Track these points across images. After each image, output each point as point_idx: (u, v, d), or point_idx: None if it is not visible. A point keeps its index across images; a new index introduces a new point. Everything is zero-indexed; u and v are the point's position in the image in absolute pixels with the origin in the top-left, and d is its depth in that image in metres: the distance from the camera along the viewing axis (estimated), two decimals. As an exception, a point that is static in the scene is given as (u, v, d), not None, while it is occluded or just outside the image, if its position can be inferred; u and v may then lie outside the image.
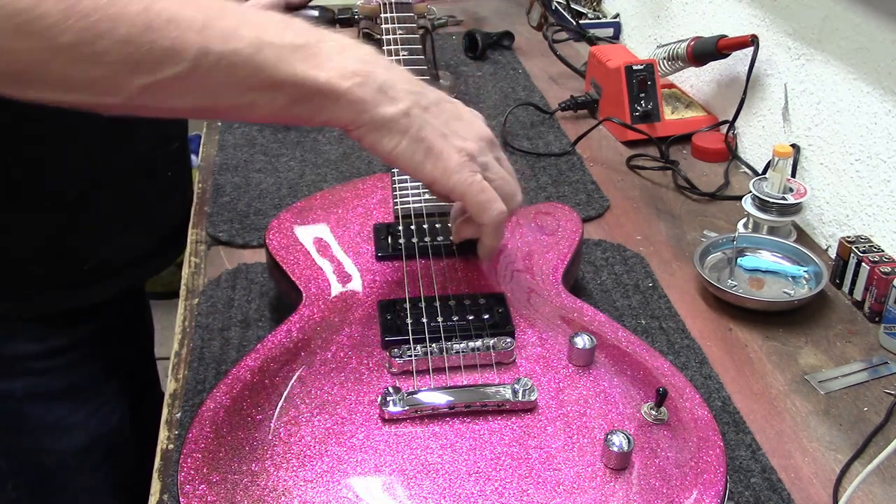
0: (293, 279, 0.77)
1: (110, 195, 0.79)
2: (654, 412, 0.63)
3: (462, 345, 0.67)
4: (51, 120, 0.66)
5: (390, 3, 1.13)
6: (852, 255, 0.90)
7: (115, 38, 0.50)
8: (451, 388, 0.64)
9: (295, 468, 0.58)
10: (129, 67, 0.52)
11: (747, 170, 1.17)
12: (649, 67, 1.23)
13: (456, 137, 0.65)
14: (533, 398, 0.63)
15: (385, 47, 1.03)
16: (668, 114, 1.26)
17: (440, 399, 0.63)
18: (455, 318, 0.71)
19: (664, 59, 1.28)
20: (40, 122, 0.72)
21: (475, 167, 0.65)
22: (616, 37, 1.59)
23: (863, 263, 0.89)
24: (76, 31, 0.49)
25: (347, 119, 0.61)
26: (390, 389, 0.63)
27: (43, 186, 0.73)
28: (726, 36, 1.19)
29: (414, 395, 0.63)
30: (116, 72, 0.51)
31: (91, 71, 0.51)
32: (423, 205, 0.83)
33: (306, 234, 0.82)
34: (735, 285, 0.89)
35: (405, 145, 0.63)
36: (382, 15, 1.11)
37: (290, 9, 1.30)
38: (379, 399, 0.63)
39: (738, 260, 0.94)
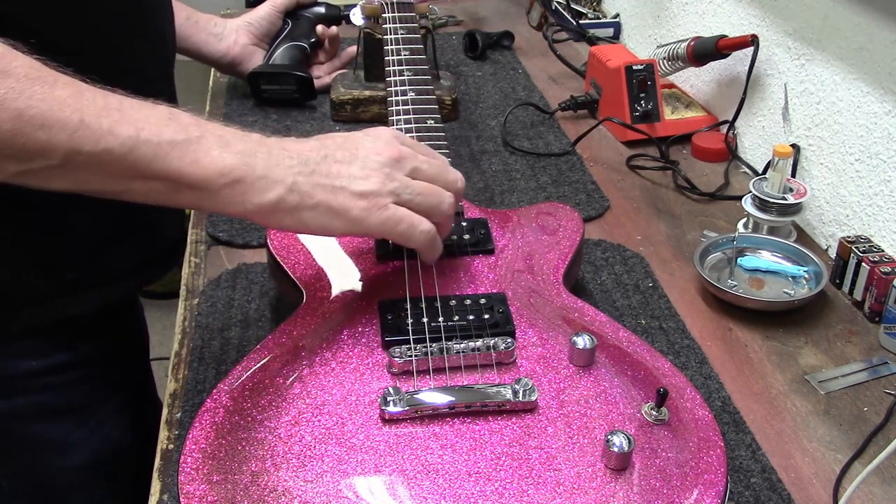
0: (294, 279, 0.77)
1: (100, 206, 0.79)
2: (654, 412, 0.63)
3: (462, 345, 0.67)
4: None
5: (392, 3, 1.13)
6: (852, 255, 0.90)
7: None
8: (451, 388, 0.64)
9: (295, 468, 0.58)
10: (2, 158, 0.57)
11: (747, 170, 1.17)
12: (649, 67, 1.23)
13: (353, 183, 0.66)
14: (533, 398, 0.63)
15: (386, 47, 1.03)
16: (668, 114, 1.26)
17: (440, 399, 0.63)
18: (455, 318, 0.71)
19: (664, 59, 1.28)
20: None
21: (383, 201, 0.66)
22: (616, 37, 1.59)
23: (863, 263, 0.89)
24: None
25: (234, 210, 0.64)
26: (390, 389, 0.63)
27: (32, 195, 0.73)
28: (726, 36, 1.19)
29: (414, 396, 0.63)
30: None
31: None
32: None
33: (307, 234, 0.82)
34: (735, 285, 0.89)
35: (306, 216, 0.65)
36: (384, 15, 1.11)
37: (300, 6, 1.31)
38: (379, 399, 0.63)
39: (738, 260, 0.94)
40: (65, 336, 0.85)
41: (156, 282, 0.94)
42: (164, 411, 0.75)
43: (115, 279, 0.87)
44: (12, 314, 0.80)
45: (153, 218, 0.87)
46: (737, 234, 0.95)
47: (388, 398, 0.62)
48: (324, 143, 0.69)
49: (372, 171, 0.67)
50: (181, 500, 0.56)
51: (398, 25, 1.08)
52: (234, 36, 1.25)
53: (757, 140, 1.17)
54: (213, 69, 1.37)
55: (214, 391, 0.64)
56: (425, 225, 0.68)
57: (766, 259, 0.94)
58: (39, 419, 0.86)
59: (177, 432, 0.73)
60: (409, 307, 0.72)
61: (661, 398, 0.63)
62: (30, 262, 0.79)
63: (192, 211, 1.04)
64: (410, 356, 0.66)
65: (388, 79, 0.98)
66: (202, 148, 0.62)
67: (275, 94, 1.27)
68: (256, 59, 1.27)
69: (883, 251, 0.90)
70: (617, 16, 1.60)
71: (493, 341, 0.68)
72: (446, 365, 0.67)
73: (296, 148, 0.67)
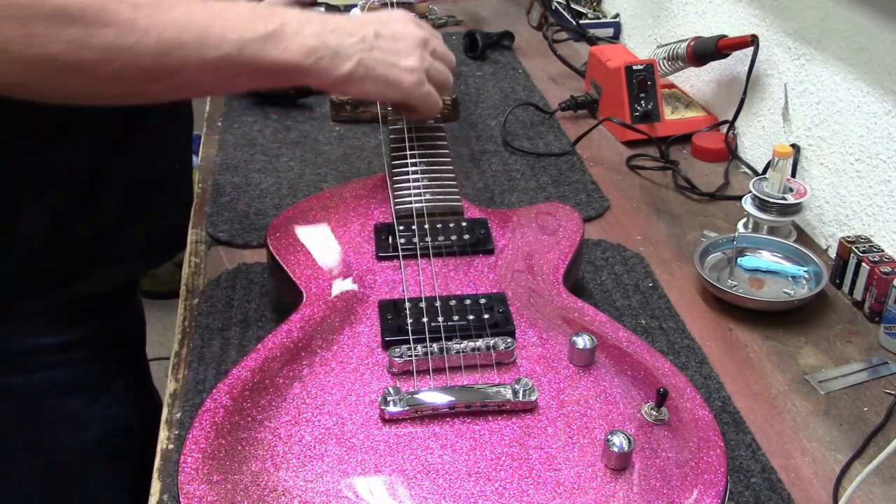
0: (294, 279, 0.77)
1: (118, 185, 0.83)
2: (654, 412, 0.63)
3: (462, 345, 0.67)
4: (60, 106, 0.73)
5: (393, 4, 1.13)
6: (852, 255, 0.90)
7: (139, 65, 0.63)
8: (451, 388, 0.64)
9: (295, 468, 0.59)
10: (148, 81, 0.65)
11: (747, 170, 1.17)
12: (649, 67, 1.23)
13: (402, 59, 0.80)
14: (533, 398, 0.63)
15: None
16: (668, 114, 1.26)
17: (440, 399, 0.63)
18: (455, 318, 0.71)
19: (664, 59, 1.28)
20: (50, 108, 0.75)
21: (423, 77, 0.81)
22: (616, 37, 1.59)
23: (863, 263, 0.89)
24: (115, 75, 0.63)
25: (316, 83, 0.76)
26: (390, 389, 0.63)
27: (50, 171, 0.77)
28: (726, 36, 1.19)
29: (414, 396, 0.63)
30: (140, 83, 0.65)
31: (124, 85, 0.65)
32: (423, 205, 0.83)
33: (307, 234, 0.82)
34: (735, 285, 0.89)
35: (369, 86, 0.78)
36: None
37: (300, 6, 1.32)
38: (379, 399, 0.63)
39: (738, 260, 0.94)
40: (76, 315, 0.88)
41: (162, 265, 0.97)
42: (164, 411, 0.75)
43: (128, 260, 0.91)
44: (31, 293, 0.83)
45: (160, 202, 0.91)
46: (737, 234, 0.95)
47: (388, 398, 0.62)
48: (369, 22, 0.80)
49: (412, 49, 0.80)
50: (181, 500, 0.56)
51: (398, 25, 1.07)
52: None
53: (757, 140, 1.17)
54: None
55: (214, 391, 0.64)
56: (440, 101, 0.85)
57: (766, 259, 0.94)
58: (54, 394, 0.89)
59: (177, 432, 0.73)
60: (409, 307, 0.72)
61: (661, 398, 0.63)
62: (48, 243, 0.82)
63: (193, 210, 1.04)
64: (410, 356, 0.66)
65: (388, 79, 0.98)
66: (287, 35, 0.71)
67: (271, 91, 1.27)
68: None
69: (883, 251, 0.90)
70: (617, 16, 1.60)
71: (493, 341, 0.68)
72: (446, 365, 0.67)
73: (351, 27, 0.78)
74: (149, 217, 0.90)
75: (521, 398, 0.63)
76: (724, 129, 1.21)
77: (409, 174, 0.86)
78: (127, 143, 0.85)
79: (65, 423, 0.90)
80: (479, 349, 0.67)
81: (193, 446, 0.60)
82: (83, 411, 0.91)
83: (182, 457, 0.59)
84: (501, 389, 0.64)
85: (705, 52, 1.21)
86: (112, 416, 0.94)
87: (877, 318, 0.87)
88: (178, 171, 0.97)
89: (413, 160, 0.88)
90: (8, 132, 0.75)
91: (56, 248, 0.83)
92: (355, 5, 1.21)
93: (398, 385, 0.64)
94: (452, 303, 0.72)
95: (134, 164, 0.86)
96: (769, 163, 1.02)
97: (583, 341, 0.67)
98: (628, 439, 0.59)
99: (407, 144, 0.90)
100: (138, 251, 0.91)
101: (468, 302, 0.73)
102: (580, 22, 1.55)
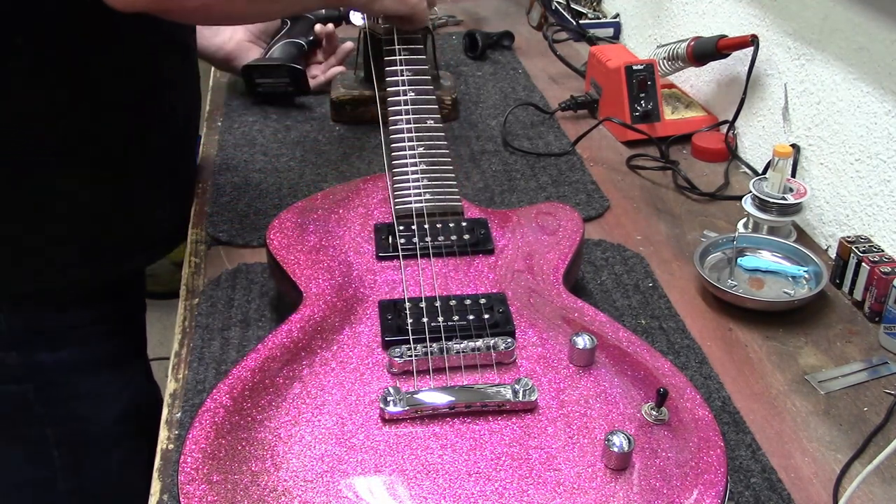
0: (294, 279, 0.77)
1: (152, 160, 0.90)
2: (654, 412, 0.63)
3: (462, 345, 0.67)
4: (95, 83, 0.81)
5: None
6: (852, 255, 0.90)
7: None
8: (451, 388, 0.64)
9: (295, 468, 0.59)
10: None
11: (747, 170, 1.17)
12: (649, 67, 1.23)
13: None
14: (533, 398, 0.63)
15: (386, 47, 1.03)
16: (668, 114, 1.26)
17: (440, 399, 0.63)
18: (455, 318, 0.71)
19: (664, 59, 1.28)
20: (87, 86, 0.82)
21: None
22: (616, 37, 1.59)
23: (863, 263, 0.89)
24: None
25: (355, 3, 1.03)
26: (391, 389, 0.63)
27: (89, 152, 0.83)
28: (726, 36, 1.19)
29: (414, 396, 0.63)
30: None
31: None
32: (423, 205, 0.83)
33: (307, 234, 0.82)
34: (735, 285, 0.89)
35: (388, 3, 0.98)
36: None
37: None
38: (379, 399, 0.63)
39: (738, 260, 0.94)
40: (102, 295, 0.93)
41: (165, 256, 1.02)
42: (164, 411, 0.75)
43: (160, 240, 0.97)
44: (65, 271, 0.88)
45: (188, 174, 1.00)
46: (737, 234, 0.95)
47: (388, 398, 0.62)
48: None
49: None
50: (181, 500, 0.57)
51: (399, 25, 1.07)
52: (230, 32, 1.26)
53: (757, 140, 1.17)
54: (213, 68, 1.37)
55: (214, 391, 0.64)
56: (428, 18, 1.04)
57: (766, 259, 0.94)
58: (82, 370, 0.93)
59: (177, 432, 0.73)
60: (409, 307, 0.72)
61: (661, 398, 0.63)
62: (84, 224, 0.88)
63: (193, 209, 1.04)
64: (410, 356, 0.66)
65: (388, 79, 0.98)
66: None
67: (269, 88, 1.27)
68: (252, 56, 1.27)
69: (883, 251, 0.90)
70: (617, 16, 1.60)
71: (493, 341, 0.68)
72: (446, 365, 0.67)
73: None
74: (177, 197, 0.97)
75: (521, 398, 0.63)
76: (724, 129, 1.21)
77: (409, 174, 0.86)
78: (154, 115, 0.90)
79: (90, 399, 0.94)
80: (479, 349, 0.67)
81: (193, 446, 0.60)
82: (108, 387, 0.96)
83: (182, 457, 0.59)
84: (501, 389, 0.64)
85: (705, 52, 1.21)
86: (133, 392, 0.99)
87: (877, 318, 0.87)
88: (195, 151, 1.03)
89: (413, 160, 0.88)
90: (49, 107, 0.80)
91: (92, 230, 0.88)
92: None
93: (398, 385, 0.64)
94: (452, 303, 0.72)
95: (165, 137, 0.92)
96: (769, 163, 1.02)
97: (583, 341, 0.67)
98: (628, 439, 0.59)
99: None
100: (167, 233, 0.97)
101: (468, 302, 0.73)
102: (580, 22, 1.55)
